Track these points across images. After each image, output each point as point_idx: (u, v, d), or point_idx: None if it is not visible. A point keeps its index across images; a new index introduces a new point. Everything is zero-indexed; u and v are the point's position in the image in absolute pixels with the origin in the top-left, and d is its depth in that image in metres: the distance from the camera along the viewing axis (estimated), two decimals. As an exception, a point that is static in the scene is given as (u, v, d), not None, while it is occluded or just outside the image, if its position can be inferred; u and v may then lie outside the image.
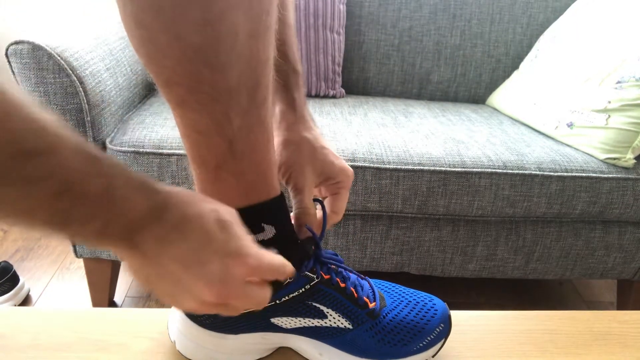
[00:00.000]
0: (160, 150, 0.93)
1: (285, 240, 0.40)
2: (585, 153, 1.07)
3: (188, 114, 0.35)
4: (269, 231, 0.39)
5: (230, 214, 0.34)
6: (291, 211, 0.44)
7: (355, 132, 1.07)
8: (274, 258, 0.35)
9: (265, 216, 0.39)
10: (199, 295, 0.32)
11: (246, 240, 0.33)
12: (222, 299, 0.32)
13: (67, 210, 0.26)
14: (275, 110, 0.45)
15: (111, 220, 0.28)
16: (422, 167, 0.97)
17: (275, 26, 0.36)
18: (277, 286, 0.40)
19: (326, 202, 0.48)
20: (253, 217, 0.38)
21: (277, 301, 0.41)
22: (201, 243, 0.31)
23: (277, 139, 0.44)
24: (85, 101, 0.90)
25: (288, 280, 0.40)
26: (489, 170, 0.98)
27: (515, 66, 1.47)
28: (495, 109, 1.41)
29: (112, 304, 1.20)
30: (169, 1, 0.30)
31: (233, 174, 0.37)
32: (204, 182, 0.38)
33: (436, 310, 0.45)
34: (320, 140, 0.46)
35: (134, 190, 0.29)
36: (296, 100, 0.45)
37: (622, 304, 1.27)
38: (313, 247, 0.43)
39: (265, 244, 0.39)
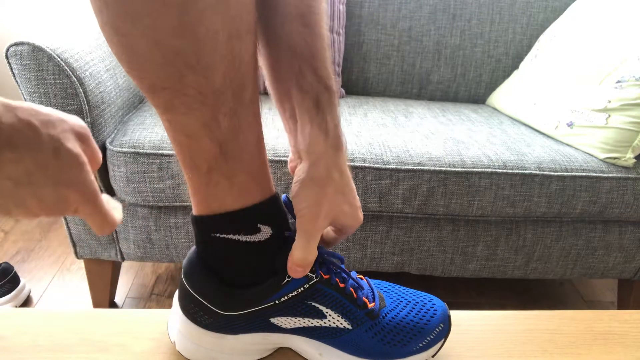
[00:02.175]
0: (160, 151, 0.93)
1: (282, 240, 0.40)
2: (585, 152, 1.07)
3: (176, 118, 0.35)
4: (266, 232, 0.39)
5: (72, 139, 0.32)
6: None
7: (355, 132, 1.07)
8: (109, 200, 0.36)
9: (261, 217, 0.39)
10: (29, 209, 0.32)
11: (80, 169, 0.33)
12: (53, 216, 0.33)
13: None
14: (305, 132, 0.39)
15: None
16: (422, 167, 0.97)
17: (255, 27, 0.36)
18: (276, 286, 0.41)
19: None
20: (248, 219, 0.38)
21: (277, 301, 0.41)
22: (35, 167, 0.31)
23: (302, 166, 0.39)
24: (86, 102, 0.90)
25: (287, 279, 0.40)
26: (489, 170, 0.98)
27: (515, 66, 1.47)
28: (495, 109, 1.41)
29: (112, 304, 1.20)
30: (145, 7, 0.30)
31: (225, 176, 0.37)
32: (197, 186, 0.38)
33: (436, 310, 0.45)
34: (344, 181, 0.40)
35: None
36: (328, 123, 0.39)
37: (623, 304, 1.27)
38: None
39: (262, 244, 0.39)
